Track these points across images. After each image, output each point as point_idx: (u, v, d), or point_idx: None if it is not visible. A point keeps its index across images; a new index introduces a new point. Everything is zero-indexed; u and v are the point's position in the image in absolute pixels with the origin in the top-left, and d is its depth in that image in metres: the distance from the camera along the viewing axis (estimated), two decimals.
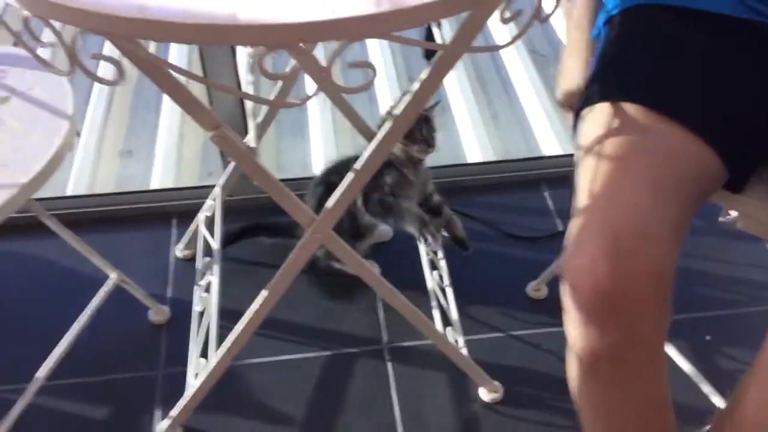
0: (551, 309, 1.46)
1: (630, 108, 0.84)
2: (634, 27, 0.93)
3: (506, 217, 1.65)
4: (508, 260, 1.57)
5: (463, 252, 1.44)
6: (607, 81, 0.90)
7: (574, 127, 0.96)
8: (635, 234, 0.74)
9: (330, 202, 0.96)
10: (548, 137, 1.91)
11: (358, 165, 0.91)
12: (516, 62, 2.19)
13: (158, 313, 1.41)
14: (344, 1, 0.62)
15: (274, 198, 0.94)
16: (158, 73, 0.78)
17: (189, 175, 1.84)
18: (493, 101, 2.07)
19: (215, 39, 0.61)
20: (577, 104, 0.94)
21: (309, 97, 0.64)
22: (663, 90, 0.85)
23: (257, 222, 1.52)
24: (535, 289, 1.48)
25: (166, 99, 2.06)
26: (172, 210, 1.61)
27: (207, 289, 1.28)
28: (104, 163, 1.87)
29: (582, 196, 0.81)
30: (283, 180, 1.64)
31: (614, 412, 0.82)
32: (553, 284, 1.48)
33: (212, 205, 1.43)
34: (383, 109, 1.98)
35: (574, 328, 0.78)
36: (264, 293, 1.05)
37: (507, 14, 0.69)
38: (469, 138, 1.91)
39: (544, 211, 1.68)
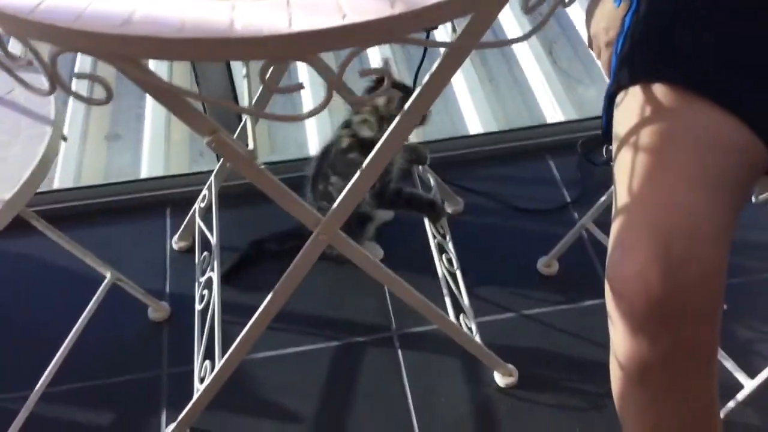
0: (563, 285, 1.42)
1: (665, 90, 0.78)
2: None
3: (511, 189, 1.60)
4: (516, 235, 1.52)
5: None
6: (638, 61, 0.83)
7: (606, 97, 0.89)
8: (687, 235, 0.69)
9: (336, 202, 0.91)
10: (550, 103, 1.85)
11: (364, 164, 0.86)
12: (513, 25, 2.11)
13: (158, 310, 1.36)
14: (355, 4, 0.56)
15: (276, 202, 0.88)
16: (148, 84, 0.71)
17: (179, 157, 1.77)
18: (492, 68, 1.99)
19: (211, 55, 0.54)
20: (607, 89, 0.87)
21: (317, 111, 0.58)
22: (700, 68, 0.79)
23: (257, 240, 1.45)
24: (546, 265, 1.44)
25: None
26: (166, 199, 1.55)
27: (207, 286, 1.23)
28: (91, 149, 1.80)
29: (622, 193, 0.75)
30: (278, 162, 1.62)
31: (662, 419, 0.78)
32: (564, 259, 1.44)
33: (207, 195, 1.37)
34: None
35: (621, 337, 0.73)
36: (269, 297, 1.00)
37: (531, 2, 0.63)
38: (468, 108, 1.85)
39: (550, 181, 1.63)
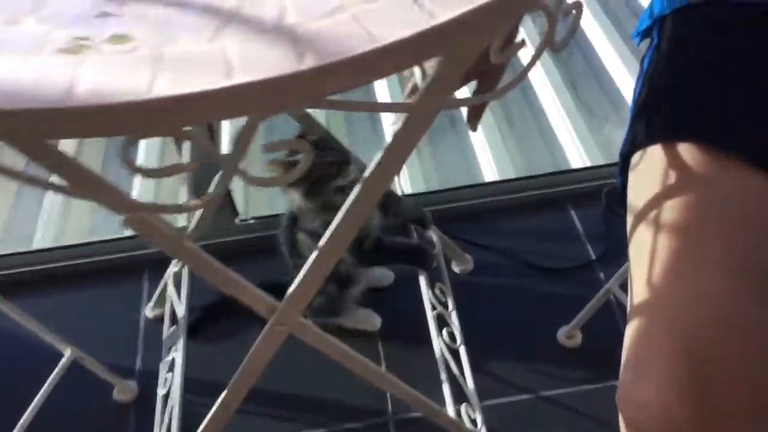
0: (588, 360, 1.23)
1: (693, 151, 0.61)
2: (693, 36, 0.69)
3: (527, 245, 1.42)
4: (533, 299, 1.34)
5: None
6: (658, 114, 0.67)
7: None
8: (720, 344, 0.53)
9: (294, 285, 0.74)
10: (574, 146, 1.67)
11: (322, 242, 0.70)
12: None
13: (123, 391, 1.20)
14: (249, 57, 0.40)
15: (219, 287, 0.73)
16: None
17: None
18: (511, 108, 1.82)
19: (38, 133, 0.39)
20: (622, 147, 0.71)
21: (212, 198, 0.42)
22: (737, 124, 0.62)
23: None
24: (568, 335, 1.25)
25: None
26: (144, 260, 1.40)
27: (172, 368, 1.07)
28: (77, 202, 1.67)
29: (639, 285, 0.59)
30: (278, 215, 1.46)
31: None
32: (589, 329, 1.25)
33: None
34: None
35: None
36: (222, 396, 0.84)
37: (506, 52, 0.47)
38: (484, 153, 1.68)
39: (572, 235, 1.44)
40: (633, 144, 0.67)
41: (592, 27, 2.01)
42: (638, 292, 0.59)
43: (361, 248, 1.07)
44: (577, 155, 1.65)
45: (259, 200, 1.57)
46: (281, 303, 0.75)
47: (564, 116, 1.76)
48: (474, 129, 0.90)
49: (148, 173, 0.42)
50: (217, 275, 0.71)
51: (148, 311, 1.32)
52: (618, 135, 1.71)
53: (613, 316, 1.28)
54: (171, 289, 1.20)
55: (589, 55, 1.96)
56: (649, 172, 0.64)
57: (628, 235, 0.65)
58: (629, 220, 0.65)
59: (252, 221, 1.43)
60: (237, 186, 1.55)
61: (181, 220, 1.37)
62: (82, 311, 1.35)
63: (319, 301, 1.18)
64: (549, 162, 1.66)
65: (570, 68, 1.92)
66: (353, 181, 0.92)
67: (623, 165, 0.70)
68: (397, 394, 0.92)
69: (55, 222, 1.61)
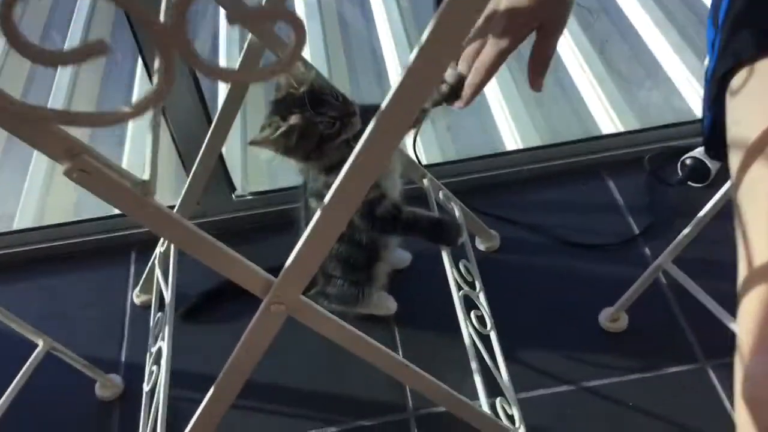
0: (635, 346, 1.08)
1: None
2: None
3: (560, 219, 1.27)
4: (569, 279, 1.18)
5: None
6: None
7: None
8: None
9: (293, 256, 0.60)
10: (605, 112, 1.51)
11: (327, 198, 0.54)
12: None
13: (106, 386, 1.06)
14: None
15: (201, 258, 0.58)
16: None
17: (163, 188, 1.48)
18: None
19: None
20: (713, 69, 0.55)
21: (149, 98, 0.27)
22: None
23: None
24: (612, 318, 1.10)
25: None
26: (131, 240, 1.26)
27: (157, 360, 0.93)
28: (60, 179, 1.53)
29: (761, 240, 0.43)
30: (280, 190, 1.32)
31: None
32: (636, 311, 1.09)
33: None
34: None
35: None
36: (212, 390, 0.69)
37: None
38: (504, 120, 1.52)
39: (611, 207, 1.29)
40: (737, 60, 0.51)
41: None
42: (760, 252, 0.43)
43: (373, 212, 0.91)
44: (609, 121, 1.49)
45: (259, 174, 1.42)
46: (277, 278, 0.60)
47: (592, 81, 1.60)
48: (539, 88, 0.76)
49: (48, 60, 0.27)
50: (199, 244, 0.56)
51: (135, 297, 1.18)
52: (653, 99, 1.56)
53: (664, 298, 1.12)
54: (158, 273, 1.05)
55: (616, 16, 1.80)
56: (763, 93, 0.48)
57: (734, 179, 0.49)
58: (734, 158, 0.49)
59: (250, 197, 1.28)
60: (234, 159, 1.41)
61: (169, 197, 1.23)
62: (64, 297, 1.21)
63: (341, 286, 1.03)
64: (577, 129, 1.51)
65: (596, 31, 1.76)
66: (360, 133, 0.75)
67: (717, 92, 0.54)
68: (423, 390, 0.77)
69: (37, 200, 1.47)
